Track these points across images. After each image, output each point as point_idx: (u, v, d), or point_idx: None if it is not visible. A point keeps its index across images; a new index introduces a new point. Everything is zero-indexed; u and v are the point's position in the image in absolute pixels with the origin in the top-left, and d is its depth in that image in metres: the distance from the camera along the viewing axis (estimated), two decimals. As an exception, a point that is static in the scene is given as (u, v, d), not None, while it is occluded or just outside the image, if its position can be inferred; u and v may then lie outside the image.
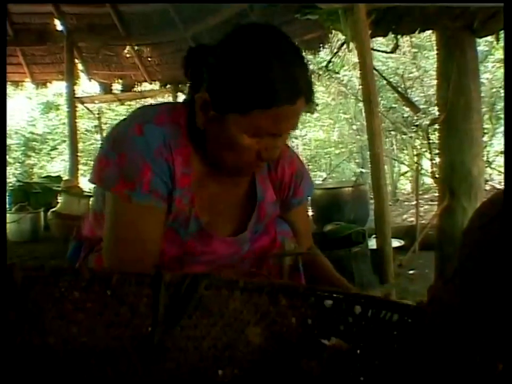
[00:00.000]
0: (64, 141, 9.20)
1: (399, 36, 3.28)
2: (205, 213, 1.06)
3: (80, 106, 6.48)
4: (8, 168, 9.31)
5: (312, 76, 0.99)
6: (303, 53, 0.99)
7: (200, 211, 1.04)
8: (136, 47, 5.96)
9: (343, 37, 3.10)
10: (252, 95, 0.90)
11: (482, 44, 6.34)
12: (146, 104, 1.08)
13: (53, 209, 4.93)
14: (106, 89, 6.55)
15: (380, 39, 5.26)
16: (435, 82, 3.47)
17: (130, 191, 0.95)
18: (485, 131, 6.73)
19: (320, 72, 7.66)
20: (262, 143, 0.96)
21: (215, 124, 0.95)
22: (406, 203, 8.04)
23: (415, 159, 8.48)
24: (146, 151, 0.95)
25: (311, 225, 1.26)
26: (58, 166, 10.86)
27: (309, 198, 1.25)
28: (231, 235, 1.10)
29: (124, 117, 1.07)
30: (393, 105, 8.70)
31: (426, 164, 7.32)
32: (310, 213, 5.83)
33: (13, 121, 10.57)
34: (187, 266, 1.06)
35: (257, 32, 0.95)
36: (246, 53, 0.91)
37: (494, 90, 7.59)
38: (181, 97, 5.65)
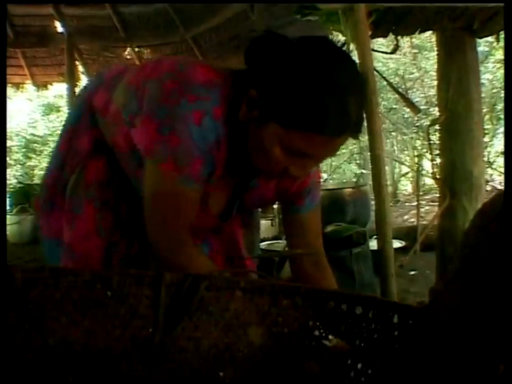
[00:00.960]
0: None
1: (399, 37, 3.27)
2: (210, 196, 1.09)
3: (80, 108, 6.47)
4: (9, 169, 9.33)
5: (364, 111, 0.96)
6: (364, 86, 0.96)
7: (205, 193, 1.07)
8: (136, 49, 5.96)
9: (343, 38, 3.10)
10: (300, 115, 0.87)
11: (483, 44, 6.34)
12: (201, 64, 1.03)
13: (54, 211, 4.93)
14: (107, 90, 6.54)
15: (380, 40, 5.26)
16: (435, 83, 3.47)
17: (179, 174, 0.95)
18: (486, 131, 6.73)
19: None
20: (293, 160, 0.94)
21: (255, 123, 0.94)
22: (407, 204, 8.04)
23: (416, 159, 8.49)
24: (202, 144, 0.94)
25: (318, 231, 1.26)
26: (59, 167, 10.83)
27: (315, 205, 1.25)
28: (218, 213, 1.15)
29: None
30: (394, 106, 8.70)
31: (427, 165, 7.32)
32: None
33: (14, 123, 10.57)
34: None
35: (328, 54, 0.90)
36: (309, 72, 0.87)
37: (495, 90, 7.59)
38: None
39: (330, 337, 0.73)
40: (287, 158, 0.93)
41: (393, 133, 9.34)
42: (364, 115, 0.96)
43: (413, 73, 8.91)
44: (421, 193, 6.33)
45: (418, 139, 8.81)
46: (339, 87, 0.87)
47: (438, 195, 3.74)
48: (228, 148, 1.00)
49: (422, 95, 8.49)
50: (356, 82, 0.92)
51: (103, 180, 1.10)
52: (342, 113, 0.87)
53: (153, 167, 0.97)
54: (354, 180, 5.68)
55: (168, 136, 0.94)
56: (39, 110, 11.31)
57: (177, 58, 1.12)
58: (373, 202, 2.57)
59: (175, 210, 0.99)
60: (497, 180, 7.45)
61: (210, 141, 0.95)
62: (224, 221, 1.17)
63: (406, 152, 9.93)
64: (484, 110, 4.70)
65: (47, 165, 1.24)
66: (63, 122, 1.22)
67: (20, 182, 6.73)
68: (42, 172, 10.02)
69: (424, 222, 4.56)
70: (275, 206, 6.11)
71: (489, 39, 3.59)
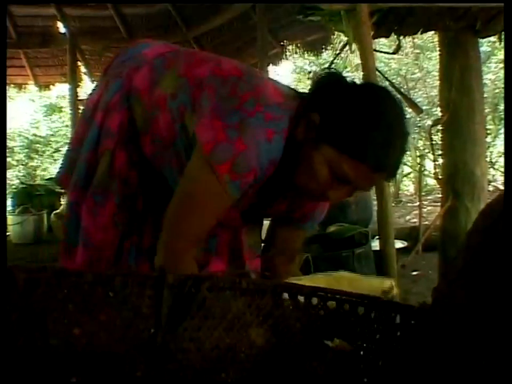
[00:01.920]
0: (67, 143, 9.19)
1: (401, 37, 3.28)
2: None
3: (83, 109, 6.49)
4: (11, 170, 9.35)
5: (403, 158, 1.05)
6: (408, 139, 1.04)
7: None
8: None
9: (346, 38, 3.10)
10: (353, 143, 0.95)
11: (485, 44, 6.34)
12: (286, 91, 1.08)
13: (56, 211, 4.94)
14: (109, 91, 6.56)
15: (383, 40, 5.26)
16: (438, 83, 3.47)
17: (230, 180, 0.97)
18: (488, 132, 6.73)
19: (323, 74, 7.64)
20: (335, 185, 1.00)
21: (309, 144, 1.00)
22: (409, 204, 8.04)
23: (418, 160, 8.48)
24: (264, 159, 0.98)
25: (297, 251, 1.33)
26: (61, 168, 10.85)
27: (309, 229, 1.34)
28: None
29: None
30: (396, 106, 8.69)
31: (429, 165, 7.32)
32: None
33: (16, 124, 10.60)
34: None
35: (390, 103, 1.00)
36: (370, 112, 0.97)
37: (497, 90, 7.58)
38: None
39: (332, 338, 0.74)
40: (331, 180, 1.00)
41: (395, 133, 9.32)
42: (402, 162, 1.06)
43: (415, 73, 8.90)
44: (423, 193, 6.33)
45: (421, 139, 8.80)
46: (391, 131, 0.97)
47: (440, 195, 3.74)
48: (279, 166, 1.04)
49: (424, 95, 8.49)
50: (404, 133, 1.02)
51: (127, 175, 1.12)
52: (387, 153, 0.97)
53: (205, 163, 0.98)
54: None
55: (235, 141, 0.96)
56: (42, 111, 11.33)
57: (236, 62, 1.14)
58: (375, 202, 2.57)
59: (205, 212, 1.02)
60: (499, 180, 7.45)
61: (274, 159, 1.00)
62: (246, 222, 1.21)
63: (408, 152, 9.92)
64: (486, 110, 4.71)
65: (78, 138, 1.22)
66: (103, 93, 1.19)
67: (22, 183, 6.75)
68: (44, 173, 10.06)
69: (426, 223, 4.56)
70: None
71: (492, 39, 3.59)
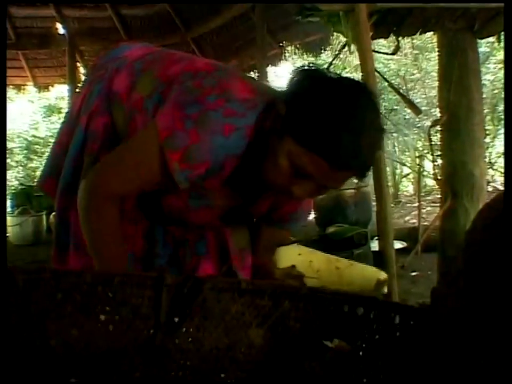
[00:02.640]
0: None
1: (400, 38, 3.28)
2: (213, 197, 1.11)
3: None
4: (10, 171, 9.34)
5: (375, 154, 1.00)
6: (381, 138, 1.00)
7: (211, 197, 1.10)
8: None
9: (344, 39, 3.10)
10: (313, 136, 0.91)
11: (484, 45, 6.34)
12: (253, 83, 1.06)
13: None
14: (108, 92, 6.55)
15: (381, 41, 5.27)
16: (436, 83, 3.47)
17: (179, 168, 0.97)
18: (487, 132, 6.73)
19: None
20: (297, 180, 0.97)
21: (274, 136, 0.97)
22: (408, 205, 8.04)
23: (417, 160, 8.49)
24: (219, 153, 0.97)
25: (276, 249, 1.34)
26: (60, 169, 10.83)
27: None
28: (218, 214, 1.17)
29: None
30: (395, 107, 8.70)
31: (428, 166, 7.32)
32: (313, 215, 5.82)
33: (15, 125, 10.59)
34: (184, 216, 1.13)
35: (359, 98, 0.95)
36: (337, 105, 0.92)
37: (496, 91, 7.59)
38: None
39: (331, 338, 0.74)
40: (293, 174, 0.96)
41: (394, 134, 9.33)
42: (372, 162, 1.00)
43: (414, 74, 8.91)
44: (422, 194, 6.33)
45: (420, 140, 8.81)
46: (358, 128, 0.92)
47: (439, 196, 3.75)
48: (245, 162, 1.03)
49: (423, 96, 8.49)
50: (375, 130, 0.97)
51: None
52: (351, 150, 0.92)
53: (157, 145, 0.99)
54: (355, 181, 5.69)
55: (190, 131, 0.96)
56: (41, 112, 11.32)
57: (212, 61, 1.13)
58: (374, 203, 2.57)
59: (130, 171, 1.02)
60: (498, 180, 7.45)
61: (231, 154, 0.99)
62: (224, 223, 1.19)
63: (407, 153, 9.93)
64: (485, 111, 4.71)
65: (61, 141, 1.22)
66: (86, 97, 1.20)
67: (21, 184, 6.75)
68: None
69: (426, 223, 4.57)
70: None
71: (491, 39, 3.60)
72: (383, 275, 0.95)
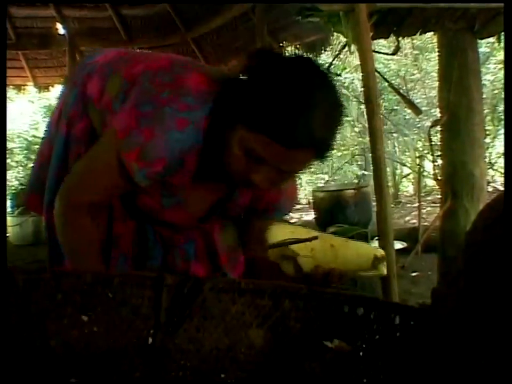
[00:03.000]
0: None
1: (400, 38, 3.28)
2: (185, 194, 1.10)
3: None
4: (10, 171, 9.33)
5: (337, 134, 0.97)
6: (341, 108, 0.96)
7: (187, 193, 1.09)
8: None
9: (345, 39, 3.10)
10: (262, 119, 0.89)
11: (484, 45, 6.34)
12: (200, 72, 1.04)
13: (55, 212, 4.94)
14: (108, 92, 6.56)
15: (382, 41, 5.27)
16: (437, 84, 3.47)
17: (138, 167, 0.98)
18: (487, 132, 6.73)
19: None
20: (255, 168, 0.95)
21: (228, 124, 0.96)
22: (408, 205, 8.04)
23: (417, 161, 8.49)
24: (174, 149, 0.97)
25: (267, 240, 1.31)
26: (60, 169, 10.83)
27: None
28: (198, 216, 1.17)
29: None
30: (395, 107, 8.71)
31: (428, 166, 7.32)
32: (313, 215, 5.82)
33: (16, 125, 10.59)
34: (157, 214, 1.13)
35: (304, 72, 0.92)
36: (282, 84, 0.89)
37: (496, 91, 7.59)
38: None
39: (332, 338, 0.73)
40: (248, 162, 0.94)
41: (394, 134, 9.34)
42: (334, 139, 0.95)
43: (414, 74, 8.91)
44: (422, 194, 6.34)
45: (420, 140, 8.81)
46: (305, 104, 0.88)
47: (439, 196, 3.75)
48: (206, 154, 1.01)
49: (423, 96, 8.50)
50: (329, 106, 0.93)
51: None
52: (303, 128, 0.88)
53: (115, 149, 1.00)
54: (355, 181, 5.68)
55: (144, 129, 0.96)
56: (41, 112, 11.33)
57: (176, 57, 1.12)
58: (374, 203, 2.57)
59: (103, 179, 1.04)
60: (499, 181, 7.45)
61: (187, 149, 0.98)
62: (202, 222, 1.19)
63: (407, 153, 9.94)
64: (485, 111, 4.71)
65: (41, 161, 1.23)
66: (61, 111, 1.22)
67: (21, 184, 6.75)
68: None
69: (426, 223, 4.57)
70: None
71: (491, 40, 3.60)
72: (380, 252, 0.92)
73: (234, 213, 1.21)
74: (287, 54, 0.97)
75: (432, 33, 3.45)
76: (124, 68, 1.11)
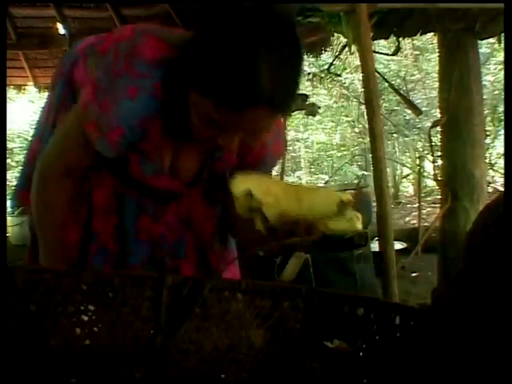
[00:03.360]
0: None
1: (400, 38, 3.29)
2: (166, 160, 1.09)
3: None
4: (10, 171, 9.33)
5: (297, 87, 0.91)
6: (299, 58, 0.89)
7: (164, 157, 1.08)
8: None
9: (345, 40, 3.10)
10: (205, 81, 0.85)
11: (484, 46, 6.34)
12: (148, 36, 1.01)
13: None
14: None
15: (382, 42, 5.27)
16: (437, 84, 3.47)
17: (97, 138, 1.00)
18: (487, 133, 6.73)
19: (322, 75, 7.66)
20: (219, 132, 0.91)
21: (184, 89, 0.93)
22: (408, 205, 8.04)
23: (417, 161, 8.49)
24: (129, 118, 0.97)
25: None
26: (60, 169, 10.84)
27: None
28: (186, 180, 1.14)
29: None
30: (395, 108, 8.71)
31: (428, 166, 7.32)
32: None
33: (16, 125, 10.59)
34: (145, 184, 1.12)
35: (257, 19, 0.85)
36: (224, 39, 0.83)
37: (496, 92, 7.59)
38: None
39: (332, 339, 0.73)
40: (208, 128, 0.91)
41: (394, 135, 9.35)
42: (289, 91, 0.88)
43: (414, 75, 8.92)
44: (422, 195, 6.33)
45: (420, 141, 8.81)
46: (250, 60, 0.81)
47: (439, 197, 3.75)
48: (169, 122, 1.01)
49: (424, 96, 8.50)
50: (277, 57, 0.84)
51: (83, 171, 1.13)
52: (247, 87, 0.81)
53: (79, 122, 1.03)
54: (355, 181, 5.67)
55: (101, 102, 0.98)
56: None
57: (142, 26, 1.09)
58: (374, 204, 2.57)
59: (73, 149, 1.07)
60: (499, 181, 7.45)
61: (144, 117, 0.98)
62: (191, 187, 1.16)
63: (407, 153, 9.94)
64: (485, 112, 4.71)
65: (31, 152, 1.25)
66: (46, 105, 1.25)
67: (21, 184, 6.72)
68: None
69: (426, 224, 4.57)
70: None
71: (491, 40, 3.60)
72: (346, 196, 0.86)
73: (221, 172, 1.16)
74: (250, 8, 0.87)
75: (432, 33, 3.45)
76: (99, 45, 1.12)
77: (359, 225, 0.88)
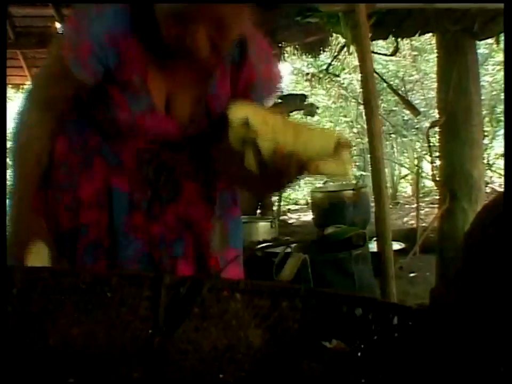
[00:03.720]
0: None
1: (399, 39, 3.29)
2: (157, 94, 1.07)
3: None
4: (9, 171, 9.31)
5: None
6: None
7: (153, 90, 1.06)
8: None
9: (344, 40, 3.11)
10: None
11: (483, 46, 6.35)
12: None
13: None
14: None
15: (380, 42, 5.28)
16: (435, 85, 3.48)
17: (69, 57, 1.01)
18: (485, 134, 6.73)
19: (321, 75, 7.67)
20: (189, 32, 0.93)
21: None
22: (406, 206, 8.04)
23: (416, 162, 8.50)
24: (96, 31, 0.98)
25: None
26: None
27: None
28: (176, 118, 1.12)
29: None
30: (394, 108, 8.71)
31: (426, 167, 7.33)
32: (311, 215, 5.82)
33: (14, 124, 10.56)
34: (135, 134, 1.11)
35: None
36: None
37: (495, 93, 7.60)
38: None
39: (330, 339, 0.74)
40: (177, 29, 0.93)
41: (393, 135, 9.35)
42: None
43: (412, 75, 8.92)
44: (420, 195, 6.34)
45: (418, 141, 8.82)
46: None
47: (437, 197, 3.75)
48: (144, 38, 1.01)
49: (422, 97, 8.51)
50: None
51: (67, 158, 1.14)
52: None
53: (58, 54, 1.05)
54: (354, 182, 5.68)
55: (74, 23, 1.03)
56: (39, 111, 11.30)
57: None
58: (372, 204, 2.58)
59: (49, 80, 1.10)
60: (497, 182, 7.46)
61: (114, 31, 0.99)
62: (188, 135, 1.14)
63: (405, 154, 9.95)
64: (484, 112, 4.72)
65: None
66: None
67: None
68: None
69: (424, 224, 4.56)
70: (275, 208, 6.11)
71: (489, 41, 3.61)
72: (343, 138, 0.83)
73: (217, 110, 1.13)
74: None
75: (431, 34, 3.45)
76: None
77: (351, 172, 0.85)
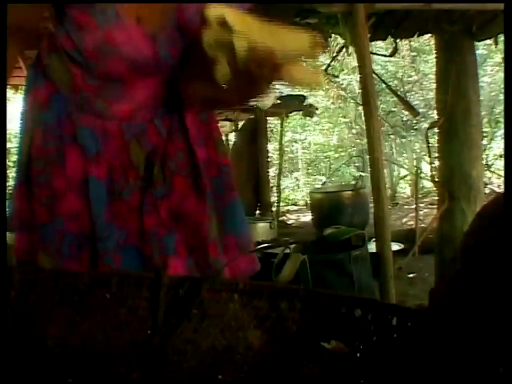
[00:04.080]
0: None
1: (398, 40, 3.29)
2: (124, 10, 1.02)
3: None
4: (8, 171, 9.32)
5: None
6: None
7: (120, 7, 1.01)
8: None
9: (343, 41, 3.11)
10: None
11: (481, 47, 6.36)
12: None
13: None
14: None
15: (379, 43, 5.28)
16: (434, 85, 3.48)
17: None
18: (484, 134, 6.75)
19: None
20: None
21: None
22: (405, 206, 8.06)
23: (415, 162, 8.52)
24: None
25: None
26: (57, 169, 10.84)
27: None
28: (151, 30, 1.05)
29: None
30: (393, 109, 8.73)
31: (425, 168, 7.34)
32: (310, 216, 5.83)
33: (13, 125, 10.56)
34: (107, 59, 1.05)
35: None
36: None
37: (493, 93, 7.62)
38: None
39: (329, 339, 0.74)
40: None
41: (392, 136, 9.37)
42: None
43: (411, 76, 8.94)
44: (419, 196, 6.35)
45: (417, 142, 8.84)
46: None
47: (436, 198, 3.75)
48: None
49: (421, 98, 8.52)
50: None
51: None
52: None
53: None
54: (353, 182, 5.69)
55: None
56: (38, 112, 11.31)
57: None
58: (371, 205, 2.58)
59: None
60: (495, 182, 7.47)
61: None
62: (165, 54, 1.06)
63: (404, 155, 9.96)
64: (483, 113, 4.73)
65: None
66: None
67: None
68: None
69: (423, 225, 4.57)
70: (274, 209, 6.11)
71: (488, 42, 3.61)
72: (319, 38, 0.81)
73: (190, 16, 1.03)
74: None
75: (429, 35, 3.46)
76: None
77: (322, 82, 0.82)
